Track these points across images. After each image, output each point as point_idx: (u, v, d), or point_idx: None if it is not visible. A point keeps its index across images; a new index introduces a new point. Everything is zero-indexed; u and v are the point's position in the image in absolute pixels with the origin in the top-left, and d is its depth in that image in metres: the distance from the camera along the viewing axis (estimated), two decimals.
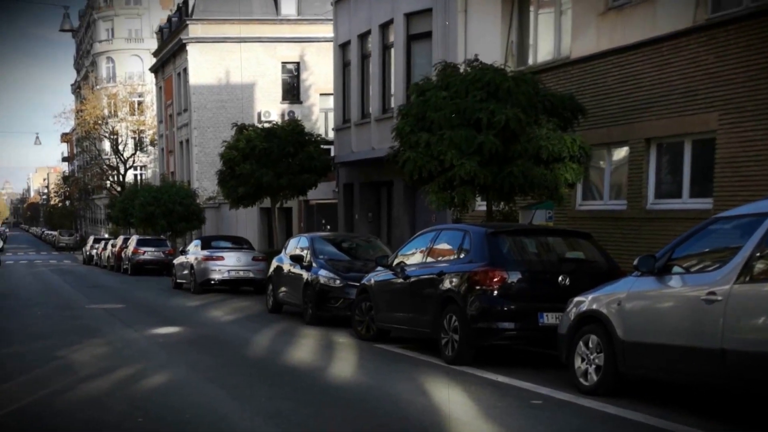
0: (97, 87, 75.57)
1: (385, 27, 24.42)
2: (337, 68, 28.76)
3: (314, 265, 15.64)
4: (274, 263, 17.85)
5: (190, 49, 50.37)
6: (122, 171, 66.71)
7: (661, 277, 7.84)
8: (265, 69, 50.71)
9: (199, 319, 16.03)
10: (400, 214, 24.24)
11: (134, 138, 68.72)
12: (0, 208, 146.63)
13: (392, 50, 24.14)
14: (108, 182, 69.37)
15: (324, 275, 15.13)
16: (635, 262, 8.09)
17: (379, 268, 12.76)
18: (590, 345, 8.47)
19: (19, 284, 28.61)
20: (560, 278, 10.05)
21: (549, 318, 9.83)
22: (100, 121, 68.15)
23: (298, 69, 49.74)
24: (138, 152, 68.53)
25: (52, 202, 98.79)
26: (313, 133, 28.41)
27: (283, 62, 49.63)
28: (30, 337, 13.17)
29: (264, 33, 49.98)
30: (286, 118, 45.51)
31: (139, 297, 21.97)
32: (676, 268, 7.84)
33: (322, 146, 28.77)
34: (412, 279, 11.54)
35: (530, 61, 19.08)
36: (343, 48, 28.11)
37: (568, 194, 15.73)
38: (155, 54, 59.80)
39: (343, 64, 28.07)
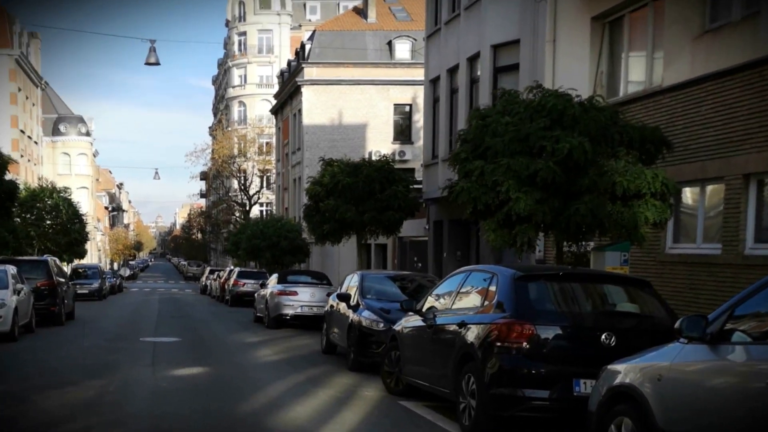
0: (228, 129, 76.52)
1: (472, 60, 22.52)
2: (427, 104, 27.12)
3: (360, 305, 13.56)
4: (330, 301, 15.87)
5: (305, 90, 50.08)
6: (247, 207, 66.91)
7: (714, 347, 5.33)
8: (378, 110, 49.55)
9: (238, 358, 14.15)
10: (487, 254, 21.98)
11: (260, 176, 69.06)
12: (146, 240, 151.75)
13: (479, 84, 22.20)
14: (233, 217, 69.80)
15: (366, 317, 12.99)
16: (678, 324, 5.60)
17: (410, 313, 10.51)
18: (623, 431, 6.00)
19: (111, 312, 27.85)
20: (604, 336, 7.56)
21: (587, 386, 7.33)
22: (228, 160, 68.80)
23: (410, 110, 48.19)
24: (263, 189, 68.81)
25: (192, 236, 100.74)
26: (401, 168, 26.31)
27: (395, 104, 48.20)
28: (36, 374, 11.68)
29: (377, 76, 49.25)
30: (397, 158, 44.44)
31: (207, 330, 20.37)
32: (737, 335, 5.30)
33: (412, 186, 26.95)
34: (435, 328, 9.27)
35: (621, 92, 16.78)
36: (433, 83, 26.39)
37: (651, 235, 13.28)
38: (276, 96, 59.96)
39: (433, 99, 26.36)
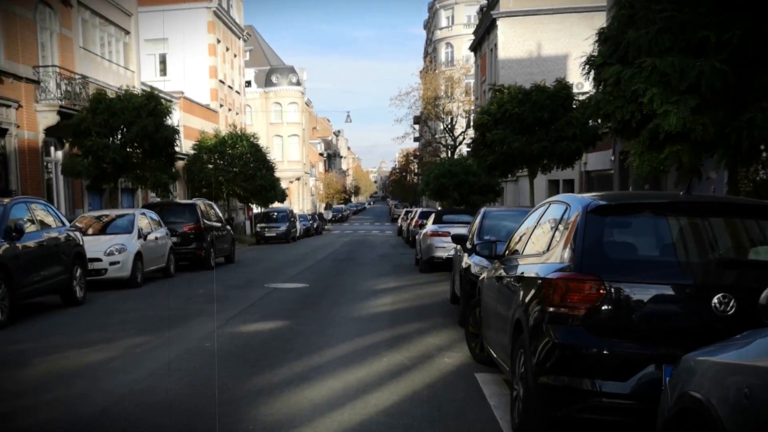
0: (435, 71, 74.75)
1: None
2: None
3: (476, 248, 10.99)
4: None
5: (500, 24, 47.34)
6: (454, 148, 65.12)
7: None
8: (580, 40, 45.11)
9: (342, 310, 12.02)
10: (675, 186, 18.40)
11: (465, 117, 66.97)
12: (365, 184, 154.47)
13: None
14: (438, 158, 68.28)
15: (477, 262, 10.38)
16: (766, 296, 2.74)
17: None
18: None
19: (279, 255, 27.00)
20: (717, 300, 4.64)
21: None
22: (433, 102, 67.24)
23: None
24: (469, 130, 66.62)
25: (405, 178, 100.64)
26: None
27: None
28: (96, 328, 10.43)
29: (580, 3, 45.42)
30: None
31: (352, 275, 18.47)
32: None
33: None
34: (502, 282, 6.63)
35: None
36: None
37: None
38: (474, 33, 57.22)
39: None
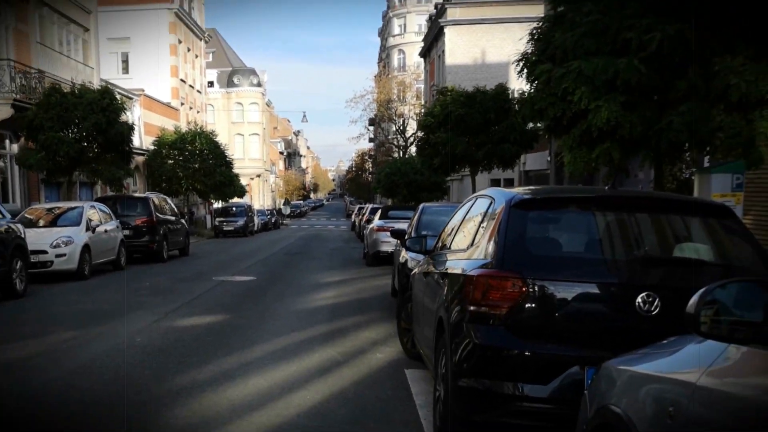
0: (389, 76, 74.37)
1: None
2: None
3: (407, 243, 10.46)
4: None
5: (448, 31, 47.18)
6: (405, 149, 64.85)
7: None
8: (523, 48, 44.93)
9: (283, 304, 11.44)
10: (603, 182, 18.10)
11: (416, 119, 66.74)
12: (323, 182, 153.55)
13: None
14: (390, 158, 67.90)
15: (413, 257, 9.88)
16: (693, 302, 2.25)
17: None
18: None
19: (235, 249, 26.23)
20: (641, 300, 4.17)
21: None
22: (386, 105, 66.91)
23: None
24: (419, 132, 66.35)
25: (361, 176, 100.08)
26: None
27: None
28: (30, 321, 9.70)
29: (522, 13, 45.39)
30: None
31: (298, 269, 17.84)
32: None
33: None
34: (431, 276, 6.12)
35: None
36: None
37: None
38: (424, 40, 57.03)
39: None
